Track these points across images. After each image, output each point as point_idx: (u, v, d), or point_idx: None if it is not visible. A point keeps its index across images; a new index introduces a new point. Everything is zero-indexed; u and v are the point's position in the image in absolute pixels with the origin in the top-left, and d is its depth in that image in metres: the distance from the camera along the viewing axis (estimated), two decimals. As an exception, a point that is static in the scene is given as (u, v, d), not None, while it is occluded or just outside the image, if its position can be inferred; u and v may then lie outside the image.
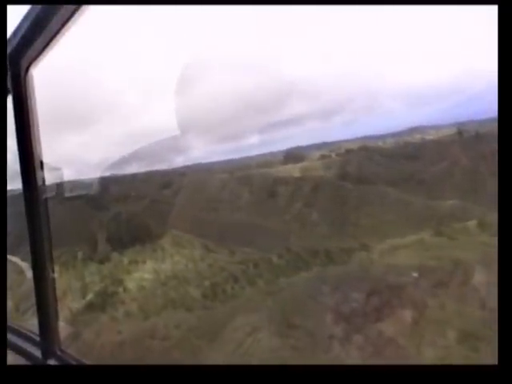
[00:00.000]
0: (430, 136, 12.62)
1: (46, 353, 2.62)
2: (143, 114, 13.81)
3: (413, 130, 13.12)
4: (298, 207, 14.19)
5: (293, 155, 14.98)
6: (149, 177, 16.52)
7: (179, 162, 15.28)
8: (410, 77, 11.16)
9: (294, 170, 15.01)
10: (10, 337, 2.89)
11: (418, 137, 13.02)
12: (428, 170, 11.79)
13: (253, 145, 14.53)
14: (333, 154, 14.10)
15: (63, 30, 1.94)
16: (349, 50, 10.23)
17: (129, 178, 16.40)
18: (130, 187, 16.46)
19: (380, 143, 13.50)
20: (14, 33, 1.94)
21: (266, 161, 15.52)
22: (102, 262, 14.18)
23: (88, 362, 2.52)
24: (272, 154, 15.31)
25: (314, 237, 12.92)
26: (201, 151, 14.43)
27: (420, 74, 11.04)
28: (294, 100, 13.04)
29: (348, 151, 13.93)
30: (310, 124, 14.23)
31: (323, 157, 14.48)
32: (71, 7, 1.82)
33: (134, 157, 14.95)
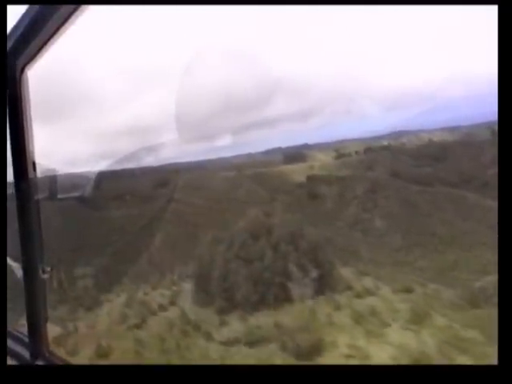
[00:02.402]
0: (434, 138, 12.09)
1: (34, 354, 2.61)
2: (119, 109, 13.26)
3: (397, 133, 12.72)
4: (354, 212, 12.28)
5: (292, 155, 14.11)
6: (132, 175, 15.50)
7: (149, 161, 14.59)
8: (389, 80, 11.23)
9: (312, 168, 13.58)
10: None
11: (415, 139, 12.62)
12: (486, 172, 10.47)
13: (226, 146, 13.85)
14: (352, 153, 13.23)
15: (59, 31, 1.93)
16: (335, 51, 10.25)
17: (110, 176, 15.21)
18: (119, 186, 15.57)
19: (385, 143, 12.91)
20: (10, 34, 1.92)
21: (265, 160, 14.47)
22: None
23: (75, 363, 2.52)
24: (265, 153, 14.45)
25: (386, 250, 10.89)
26: (173, 151, 13.80)
27: (399, 78, 11.13)
28: (276, 100, 12.86)
29: (366, 150, 13.15)
30: (287, 125, 13.83)
31: (340, 156, 13.56)
32: (68, 8, 1.81)
33: (102, 154, 14.44)
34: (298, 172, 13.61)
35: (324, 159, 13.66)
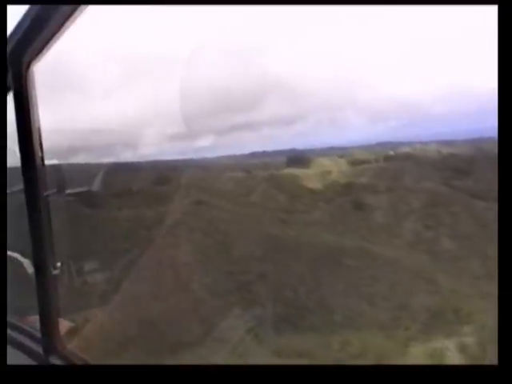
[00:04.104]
0: (443, 151, 11.41)
1: (47, 349, 2.63)
2: (101, 101, 12.80)
3: (383, 144, 12.02)
4: (412, 228, 10.26)
5: (293, 159, 13.33)
6: (124, 169, 13.63)
7: (127, 156, 13.53)
8: (377, 89, 10.97)
9: (330, 174, 12.26)
10: (11, 333, 2.90)
11: (421, 150, 12.06)
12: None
13: (209, 146, 13.08)
14: (371, 161, 12.38)
15: (64, 27, 1.94)
16: (331, 54, 10.12)
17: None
18: (111, 181, 14.08)
19: (392, 152, 12.25)
20: (15, 30, 1.94)
21: (267, 163, 13.83)
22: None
23: (89, 359, 2.54)
24: (251, 155, 13.40)
25: (466, 278, 8.73)
26: (153, 148, 13.05)
27: (387, 88, 10.89)
28: (264, 104, 12.46)
29: (387, 158, 12.28)
30: (269, 130, 13.26)
31: (356, 162, 12.59)
32: (72, 3, 1.82)
33: (81, 146, 12.82)
34: (312, 177, 12.31)
35: (333, 165, 12.65)
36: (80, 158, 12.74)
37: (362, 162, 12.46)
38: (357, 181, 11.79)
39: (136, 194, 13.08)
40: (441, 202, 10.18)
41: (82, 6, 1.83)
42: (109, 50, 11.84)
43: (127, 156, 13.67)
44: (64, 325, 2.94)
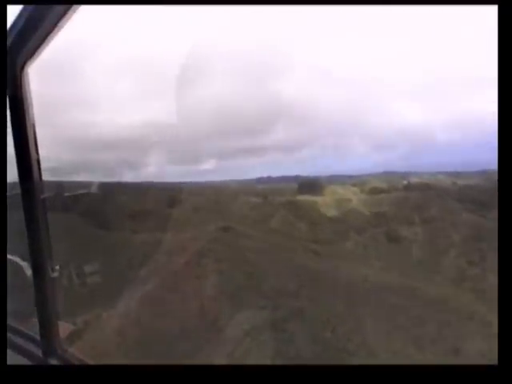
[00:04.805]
0: (459, 182, 10.88)
1: (47, 352, 2.63)
2: (106, 119, 12.39)
3: (389, 173, 11.69)
4: (454, 264, 9.70)
5: (305, 185, 12.74)
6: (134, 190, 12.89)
7: (129, 177, 13.12)
8: (382, 118, 10.84)
9: (349, 202, 11.81)
10: (11, 336, 2.89)
11: (435, 180, 11.60)
12: None
13: (209, 170, 12.63)
14: (391, 190, 11.67)
15: (58, 27, 1.92)
16: (341, 79, 10.05)
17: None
18: (119, 201, 12.71)
19: (405, 182, 11.79)
20: (9, 31, 1.92)
21: (279, 188, 12.74)
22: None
23: (88, 361, 2.53)
24: (257, 180, 12.88)
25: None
26: (155, 169, 12.53)
27: (391, 115, 10.78)
28: (272, 129, 12.17)
29: (404, 188, 11.27)
30: (274, 155, 12.94)
31: (374, 191, 11.79)
32: (66, 5, 1.81)
33: (83, 165, 12.23)
34: (330, 205, 11.61)
35: (348, 193, 12.10)
36: (82, 177, 12.44)
37: (379, 191, 11.95)
38: (382, 210, 11.16)
39: (150, 216, 12.03)
40: (479, 236, 9.59)
41: (75, 6, 1.82)
42: (118, 67, 11.62)
43: (128, 176, 13.34)
44: (65, 327, 2.93)
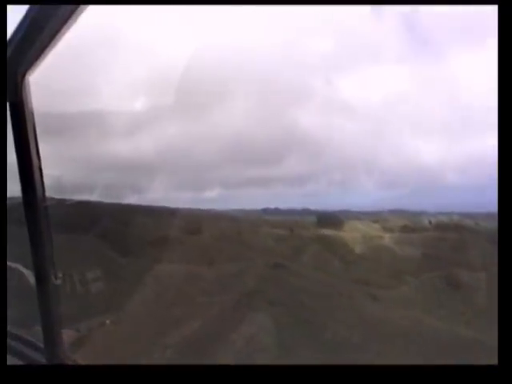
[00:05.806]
0: (481, 223, 10.43)
1: (51, 359, 2.62)
2: (115, 138, 12.20)
3: (396, 212, 11.49)
4: None
5: (324, 219, 12.24)
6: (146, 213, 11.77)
7: (132, 200, 12.88)
8: (391, 154, 10.79)
9: (381, 239, 11.11)
10: (14, 344, 2.89)
11: (459, 220, 11.26)
12: None
13: (212, 198, 12.44)
14: (419, 229, 11.20)
15: (60, 35, 1.92)
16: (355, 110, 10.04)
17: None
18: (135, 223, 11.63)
19: (427, 221, 11.42)
20: (10, 39, 1.93)
21: (297, 221, 12.20)
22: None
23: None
24: (263, 211, 12.33)
25: None
26: (158, 194, 12.27)
27: (402, 152, 10.74)
28: (284, 161, 12.01)
29: (438, 227, 11.01)
30: (280, 187, 12.79)
31: (405, 229, 11.21)
32: (68, 10, 1.79)
33: (87, 185, 11.95)
34: (359, 242, 11.39)
35: (372, 230, 11.65)
36: (85, 197, 12.25)
37: (410, 230, 11.32)
38: (426, 252, 10.43)
39: (172, 244, 10.74)
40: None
41: (77, 12, 1.81)
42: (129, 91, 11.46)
43: (132, 199, 13.05)
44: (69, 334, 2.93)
